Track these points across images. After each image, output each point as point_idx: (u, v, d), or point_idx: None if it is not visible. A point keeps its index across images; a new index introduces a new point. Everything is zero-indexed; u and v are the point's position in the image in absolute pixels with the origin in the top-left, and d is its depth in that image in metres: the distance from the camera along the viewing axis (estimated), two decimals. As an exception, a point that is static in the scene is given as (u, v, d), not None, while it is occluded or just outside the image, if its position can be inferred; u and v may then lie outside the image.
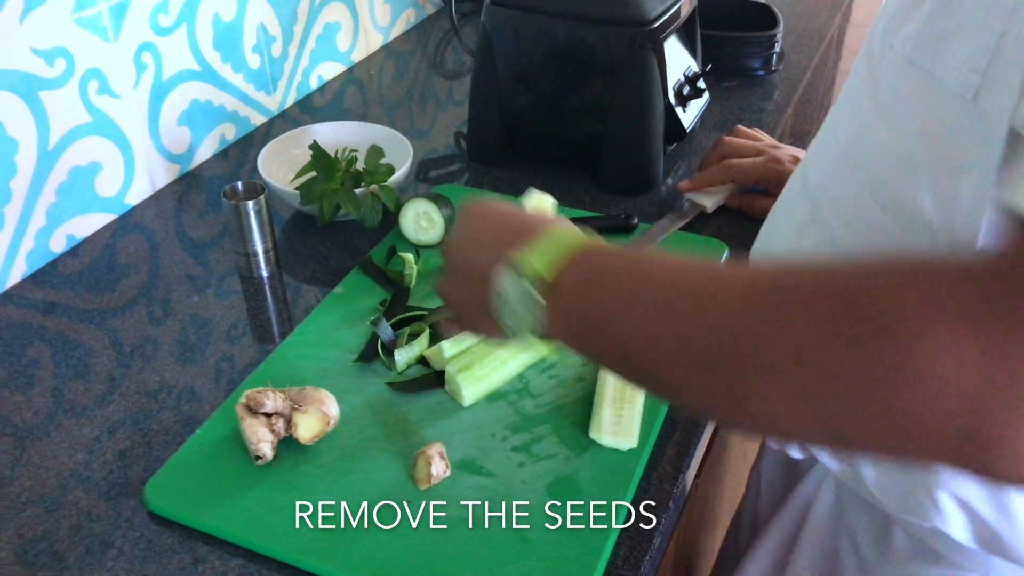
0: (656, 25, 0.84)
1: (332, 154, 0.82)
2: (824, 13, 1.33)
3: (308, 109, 1.08)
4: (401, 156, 0.88)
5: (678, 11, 0.89)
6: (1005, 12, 0.41)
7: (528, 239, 0.45)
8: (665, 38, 0.86)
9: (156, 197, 0.91)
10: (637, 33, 0.84)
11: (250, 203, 0.75)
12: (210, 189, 0.93)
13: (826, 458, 0.61)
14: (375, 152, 0.83)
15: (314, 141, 0.82)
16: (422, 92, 1.14)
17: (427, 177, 0.96)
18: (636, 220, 0.83)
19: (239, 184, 0.77)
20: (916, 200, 0.47)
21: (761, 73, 1.11)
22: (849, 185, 0.53)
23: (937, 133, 0.46)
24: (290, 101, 1.07)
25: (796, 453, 0.68)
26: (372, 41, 1.20)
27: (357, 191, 0.81)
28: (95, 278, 0.80)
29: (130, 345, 0.72)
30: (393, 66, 1.20)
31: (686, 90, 0.93)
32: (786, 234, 0.61)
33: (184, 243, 0.85)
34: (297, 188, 0.81)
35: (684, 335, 0.38)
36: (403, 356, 0.67)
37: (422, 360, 0.68)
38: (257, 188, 0.77)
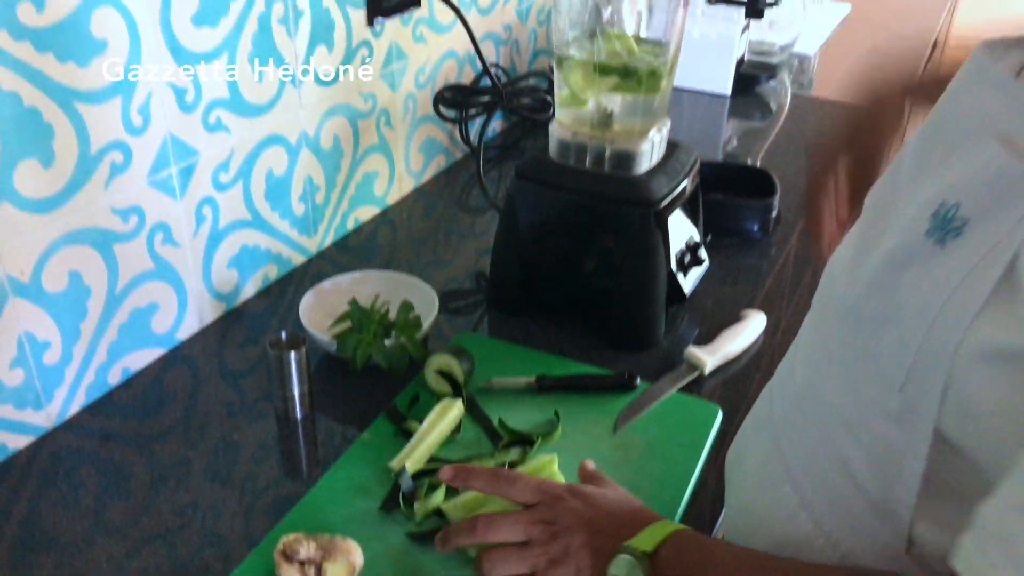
0: (662, 205, 0.94)
1: (366, 300, 0.92)
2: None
3: (344, 249, 1.18)
4: (427, 305, 0.97)
5: (683, 190, 0.99)
6: (923, 326, 0.46)
7: (636, 527, 0.60)
8: (669, 214, 0.96)
9: (203, 332, 1.00)
10: (644, 212, 0.94)
11: (292, 353, 0.84)
12: (252, 325, 1.02)
13: None
14: (406, 307, 0.93)
15: (353, 298, 0.91)
16: (447, 228, 1.25)
17: (448, 308, 1.06)
18: (638, 380, 0.91)
19: (283, 333, 0.86)
20: (857, 465, 0.52)
21: (759, 236, 1.21)
22: (803, 428, 0.58)
23: (872, 407, 0.50)
24: (328, 242, 1.18)
25: None
26: (405, 185, 1.31)
27: (387, 342, 0.90)
28: (144, 409, 0.89)
29: (168, 474, 0.80)
30: (423, 205, 1.31)
31: (687, 258, 1.02)
32: (755, 454, 0.65)
33: (226, 377, 0.93)
34: (334, 337, 0.91)
35: None
36: (420, 508, 0.74)
37: (440, 511, 0.75)
38: (299, 339, 0.86)
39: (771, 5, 1.66)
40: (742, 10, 1.65)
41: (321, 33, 1.05)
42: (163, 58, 0.86)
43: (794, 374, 0.62)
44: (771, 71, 1.81)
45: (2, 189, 0.74)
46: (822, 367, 0.57)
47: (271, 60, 0.99)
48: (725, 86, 1.72)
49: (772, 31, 1.89)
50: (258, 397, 0.90)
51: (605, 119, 0.97)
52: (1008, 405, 0.42)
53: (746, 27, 1.72)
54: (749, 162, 1.50)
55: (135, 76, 0.83)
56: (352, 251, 1.18)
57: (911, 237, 0.49)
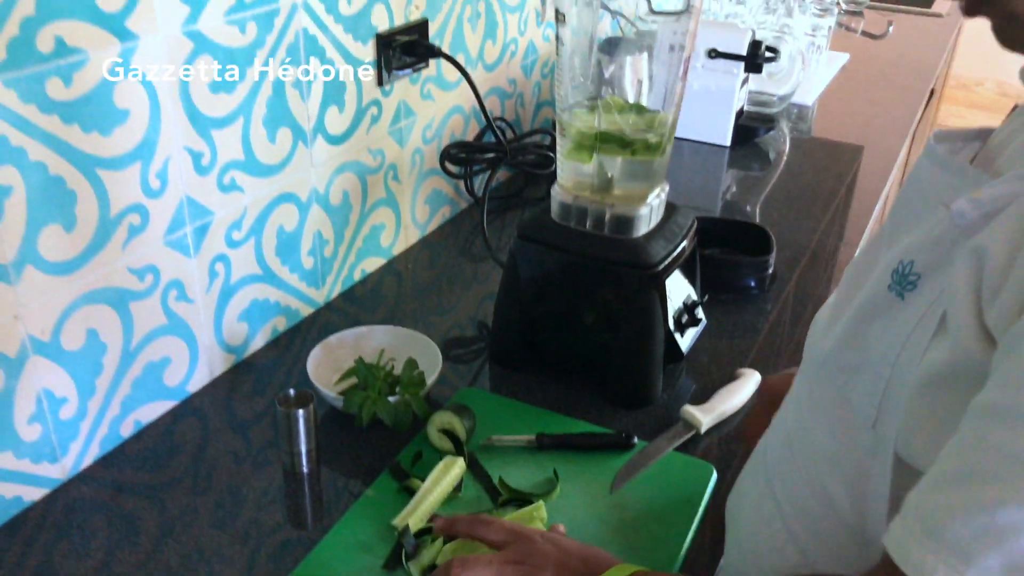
0: (660, 268, 0.98)
1: (372, 354, 0.96)
2: (809, 229, 1.48)
3: (351, 299, 1.22)
4: (431, 361, 1.00)
5: (681, 252, 1.02)
6: (888, 369, 0.53)
7: (602, 569, 0.64)
8: (667, 277, 0.99)
9: (213, 384, 1.03)
10: (642, 275, 0.97)
11: (300, 411, 0.87)
12: (261, 377, 1.05)
13: None
14: (410, 364, 0.96)
15: (359, 357, 0.94)
16: (451, 276, 1.29)
17: (451, 356, 1.09)
18: (635, 439, 0.94)
19: (291, 391, 0.89)
20: (839, 495, 0.58)
21: (756, 292, 1.24)
22: (792, 467, 0.64)
23: (850, 444, 0.58)
24: (335, 293, 1.21)
25: None
26: (411, 236, 1.35)
27: (391, 399, 0.93)
28: (155, 461, 0.91)
29: (176, 525, 0.82)
30: (428, 255, 1.34)
31: (684, 318, 1.05)
32: (750, 495, 0.72)
33: (234, 428, 0.96)
34: (341, 393, 0.93)
35: None
36: (416, 563, 0.77)
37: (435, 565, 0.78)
38: (306, 397, 0.89)
39: (770, 60, 1.70)
40: (741, 64, 1.69)
41: (333, 95, 1.09)
42: (181, 124, 0.89)
43: (785, 420, 0.69)
44: (770, 123, 1.85)
45: (27, 254, 0.78)
46: (808, 412, 0.64)
47: (285, 122, 1.03)
48: (724, 137, 1.76)
49: (771, 82, 1.93)
50: (265, 445, 0.93)
51: (605, 183, 1.00)
52: (944, 420, 0.49)
53: (745, 80, 1.77)
54: (748, 208, 1.54)
55: (154, 142, 0.87)
56: (358, 301, 1.21)
57: (876, 293, 0.57)
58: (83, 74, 0.78)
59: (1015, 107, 0.59)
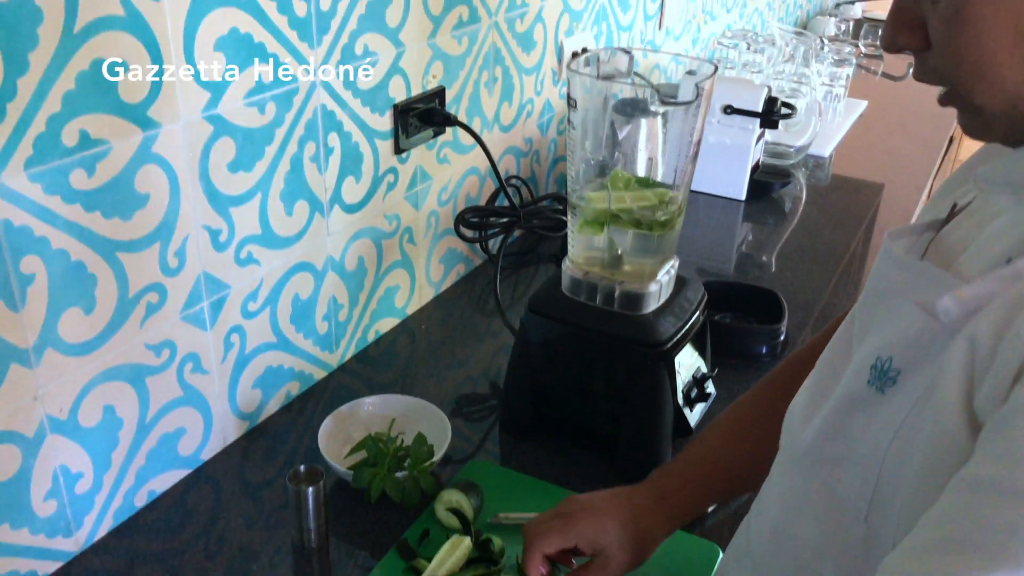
0: (669, 345, 0.98)
1: (383, 424, 0.99)
2: (822, 286, 1.48)
3: (364, 360, 1.23)
4: (440, 433, 1.01)
5: (691, 327, 1.03)
6: (877, 463, 0.55)
7: None
8: (676, 354, 1.00)
9: (226, 452, 1.04)
10: (652, 353, 0.98)
11: (310, 489, 0.88)
12: (273, 442, 1.06)
13: None
14: (420, 439, 0.97)
15: (368, 435, 0.96)
16: (464, 332, 1.30)
17: (463, 412, 1.11)
18: (641, 518, 0.94)
19: (302, 467, 0.91)
20: None
21: (767, 359, 1.25)
22: (780, 560, 0.65)
23: (840, 536, 0.59)
24: (349, 355, 1.22)
25: None
26: (425, 295, 1.36)
27: (400, 474, 0.94)
28: (168, 529, 0.93)
29: (195, 611, 0.84)
30: (441, 313, 1.36)
31: (694, 392, 1.06)
32: None
33: (247, 494, 0.98)
34: (350, 468, 0.95)
35: None
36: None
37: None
38: (316, 473, 0.90)
39: (786, 117, 1.71)
40: (757, 120, 1.70)
41: (350, 166, 1.11)
42: (200, 204, 0.92)
43: (768, 511, 0.70)
44: (786, 177, 1.85)
45: (47, 337, 0.80)
46: (791, 504, 0.65)
47: (302, 195, 1.05)
48: (740, 191, 1.76)
49: (788, 133, 1.94)
50: (277, 508, 0.95)
51: (615, 260, 1.01)
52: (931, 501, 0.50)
53: (761, 135, 1.78)
54: (764, 259, 1.55)
55: (173, 223, 0.89)
56: (372, 362, 1.23)
57: (856, 386, 0.59)
58: (106, 163, 0.80)
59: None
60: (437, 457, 0.97)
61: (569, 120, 0.96)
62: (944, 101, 0.55)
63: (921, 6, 0.52)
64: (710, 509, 0.97)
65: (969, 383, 0.50)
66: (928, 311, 0.53)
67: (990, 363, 0.48)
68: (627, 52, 1.02)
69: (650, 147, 1.02)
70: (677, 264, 1.04)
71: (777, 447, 0.81)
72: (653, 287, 1.00)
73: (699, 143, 0.97)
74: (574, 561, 0.80)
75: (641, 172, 1.03)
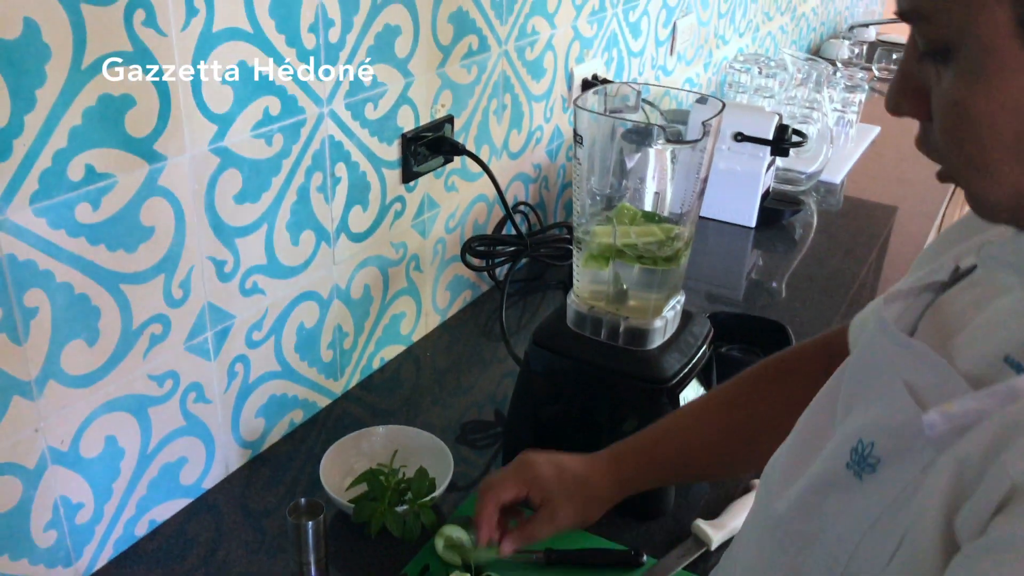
0: (674, 382, 0.98)
1: (385, 455, 0.99)
2: (830, 316, 1.46)
3: (369, 387, 1.23)
4: (443, 466, 1.00)
5: (696, 363, 1.02)
6: (847, 551, 0.54)
7: None
8: (681, 391, 0.99)
9: (228, 480, 1.04)
10: (656, 389, 0.97)
11: (310, 523, 0.88)
12: (276, 470, 1.06)
13: None
14: (421, 473, 0.96)
15: (369, 468, 0.96)
16: (470, 358, 1.30)
17: (467, 440, 1.11)
18: (644, 557, 0.94)
19: (302, 500, 0.90)
20: None
21: (773, 393, 1.23)
22: None
23: None
24: (354, 382, 1.22)
25: None
26: (431, 321, 1.36)
27: (400, 509, 0.93)
28: (168, 558, 0.93)
29: (192, 646, 0.83)
30: (447, 340, 1.35)
31: (699, 428, 1.05)
32: None
33: (249, 523, 0.97)
34: (351, 501, 0.94)
35: None
36: None
37: None
38: (317, 507, 0.90)
39: (797, 145, 1.70)
40: (768, 148, 1.69)
41: (357, 195, 1.11)
42: (206, 236, 0.92)
43: (735, 570, 0.69)
44: (796, 205, 1.85)
45: (50, 370, 0.80)
46: (759, 573, 0.64)
47: (308, 225, 1.05)
48: (750, 219, 1.76)
49: (799, 160, 1.93)
50: (278, 535, 0.95)
51: (620, 295, 1.01)
52: None
53: (772, 162, 1.77)
54: (774, 284, 1.54)
55: (178, 255, 0.89)
56: (376, 389, 1.23)
57: (833, 467, 0.56)
58: (111, 197, 0.81)
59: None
60: (438, 492, 0.96)
61: (575, 155, 0.96)
62: (943, 178, 0.52)
63: (925, 76, 0.49)
64: (715, 545, 0.96)
65: (952, 504, 0.47)
66: (914, 395, 0.51)
67: (976, 486, 0.46)
68: (634, 87, 1.02)
69: (658, 180, 1.02)
70: (683, 299, 1.04)
71: (745, 446, 0.87)
72: (658, 323, 0.99)
73: (706, 179, 0.96)
74: (525, 514, 0.84)
75: (648, 206, 1.02)
